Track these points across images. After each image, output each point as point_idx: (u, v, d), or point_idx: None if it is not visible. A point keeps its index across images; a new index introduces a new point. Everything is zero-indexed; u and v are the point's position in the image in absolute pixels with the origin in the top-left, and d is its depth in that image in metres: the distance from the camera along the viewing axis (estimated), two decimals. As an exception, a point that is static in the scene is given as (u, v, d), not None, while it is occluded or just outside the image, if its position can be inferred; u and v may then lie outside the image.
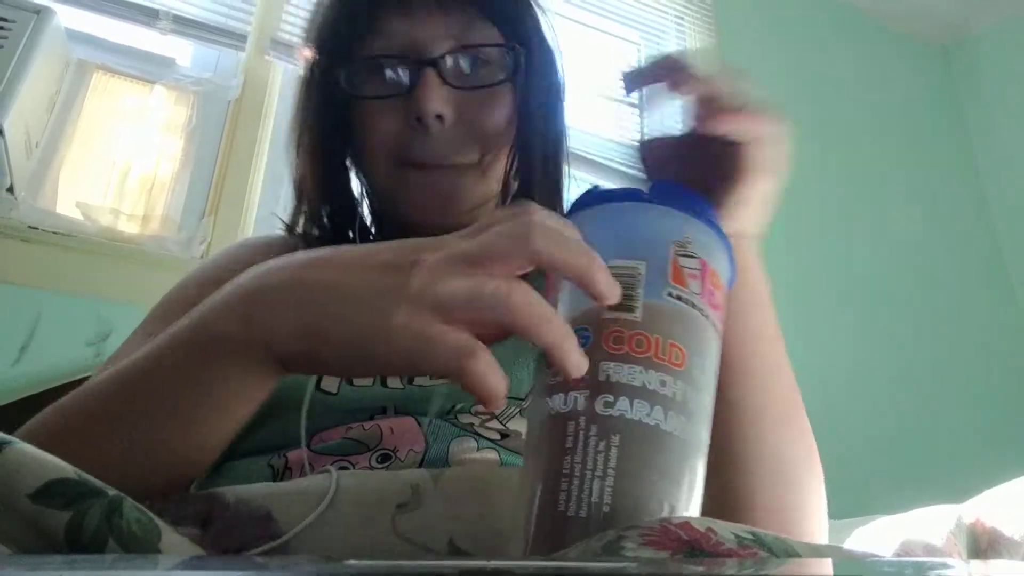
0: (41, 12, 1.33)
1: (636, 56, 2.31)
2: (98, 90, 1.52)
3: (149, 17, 1.53)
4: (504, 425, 0.56)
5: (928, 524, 0.52)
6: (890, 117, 2.60)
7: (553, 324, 0.34)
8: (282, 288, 0.37)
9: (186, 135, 1.55)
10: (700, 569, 0.27)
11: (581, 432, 0.35)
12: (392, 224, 0.73)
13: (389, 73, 0.63)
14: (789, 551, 0.31)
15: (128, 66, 1.55)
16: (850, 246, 2.29)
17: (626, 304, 0.37)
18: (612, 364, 0.36)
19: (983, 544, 0.49)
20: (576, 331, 0.36)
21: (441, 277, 0.33)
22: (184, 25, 1.57)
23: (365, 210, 0.75)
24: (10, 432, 0.34)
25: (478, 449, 0.53)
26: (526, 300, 0.33)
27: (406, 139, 0.63)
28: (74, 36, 1.49)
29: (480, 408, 0.55)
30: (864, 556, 0.40)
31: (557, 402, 0.36)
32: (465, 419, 0.55)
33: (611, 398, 0.35)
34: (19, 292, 1.30)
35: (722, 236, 0.41)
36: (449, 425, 0.54)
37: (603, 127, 2.04)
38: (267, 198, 1.58)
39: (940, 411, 2.17)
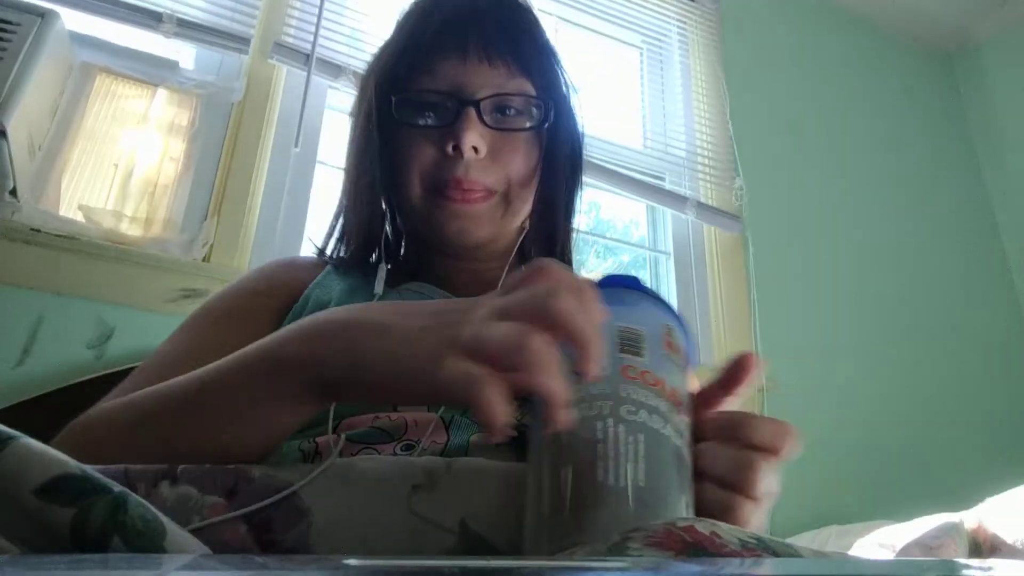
0: (45, 15, 1.33)
1: (639, 60, 2.31)
2: (101, 93, 1.52)
3: (153, 20, 1.54)
4: (520, 420, 0.59)
5: (929, 531, 0.52)
6: (894, 124, 2.60)
7: (553, 377, 0.38)
8: (340, 324, 0.45)
9: (189, 138, 1.55)
10: (701, 569, 0.27)
11: (611, 429, 0.41)
12: (418, 245, 0.83)
13: (436, 108, 0.74)
14: (792, 554, 0.32)
15: (131, 69, 1.55)
16: (854, 254, 2.29)
17: (635, 350, 0.45)
18: (630, 386, 0.43)
19: (984, 550, 0.49)
20: None
21: (478, 326, 0.39)
22: (187, 28, 1.57)
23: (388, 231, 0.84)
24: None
25: (496, 445, 0.57)
26: (539, 355, 0.38)
27: (443, 166, 0.73)
28: (78, 39, 1.49)
29: None
30: (866, 560, 0.40)
31: (582, 409, 0.42)
32: None
33: (633, 408, 0.42)
34: (21, 294, 1.30)
35: (689, 334, 0.51)
36: (469, 420, 0.59)
37: (605, 131, 2.04)
38: (269, 201, 1.59)
39: (942, 421, 2.17)
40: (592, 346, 0.39)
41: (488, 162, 0.73)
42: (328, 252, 0.84)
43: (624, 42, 2.30)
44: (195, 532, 0.37)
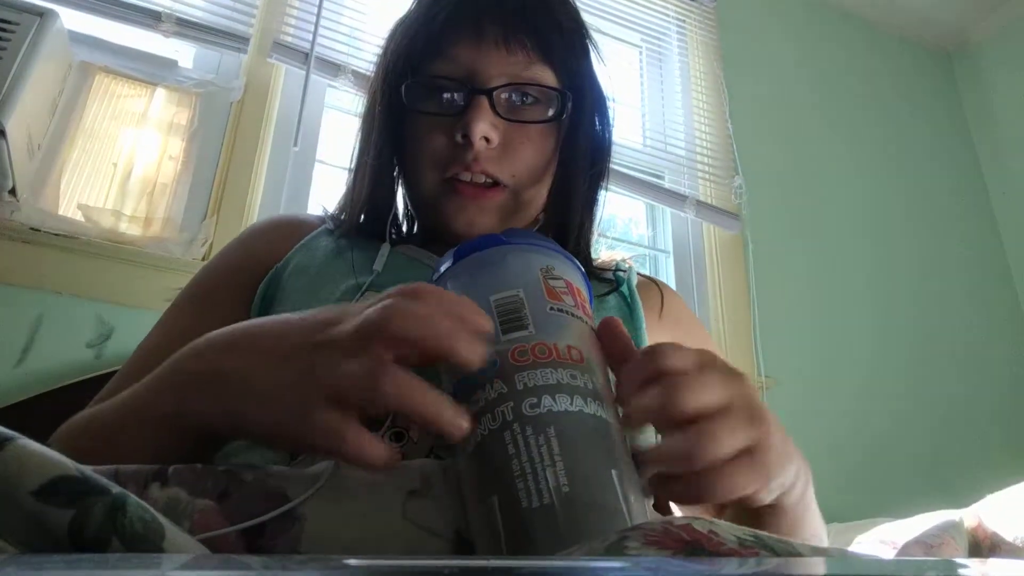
0: (44, 15, 1.33)
1: (638, 59, 2.31)
2: (100, 92, 1.52)
3: (152, 19, 1.54)
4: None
5: (929, 529, 0.51)
6: (893, 123, 2.60)
7: (418, 402, 0.39)
8: (206, 377, 0.45)
9: (188, 137, 1.55)
10: (700, 568, 0.27)
11: (519, 436, 0.39)
12: (426, 228, 0.80)
13: (447, 95, 0.70)
14: (791, 552, 0.32)
15: (130, 68, 1.55)
16: (853, 252, 2.29)
17: (518, 324, 0.43)
18: (525, 372, 0.41)
19: (984, 548, 0.49)
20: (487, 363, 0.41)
21: (331, 371, 0.39)
22: (186, 27, 1.57)
23: (400, 209, 0.82)
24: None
25: None
26: (394, 388, 0.38)
27: (452, 154, 0.69)
28: (76, 38, 1.49)
29: None
30: (866, 557, 0.40)
31: (486, 423, 0.40)
32: None
33: (535, 399, 0.40)
34: (21, 294, 1.30)
35: (571, 259, 0.49)
36: None
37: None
38: (268, 200, 1.58)
39: (942, 418, 2.17)
40: (455, 350, 0.39)
41: (500, 153, 0.69)
42: (342, 217, 0.80)
43: (623, 41, 2.30)
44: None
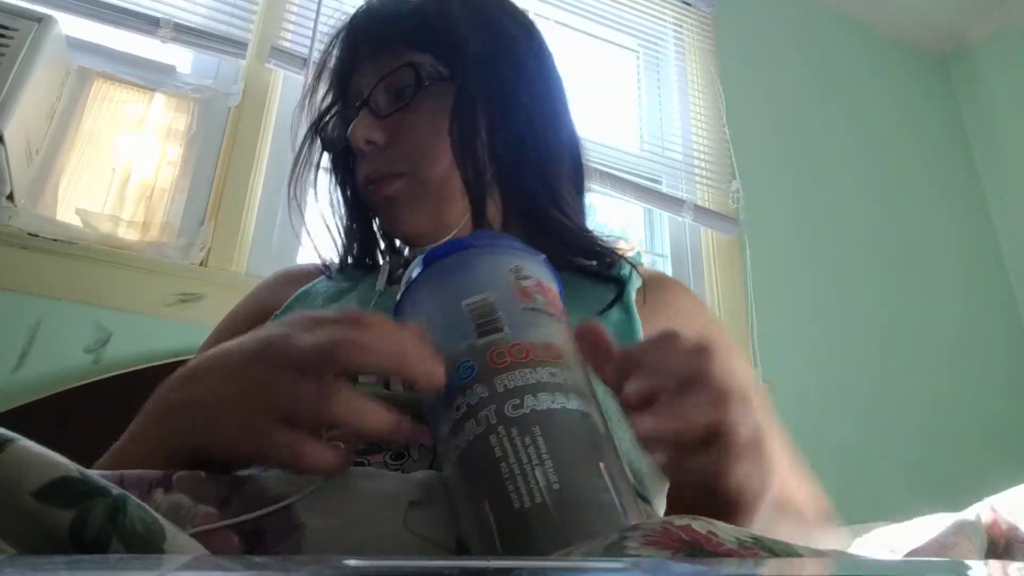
0: (43, 20, 1.33)
1: (635, 63, 2.32)
2: (98, 98, 1.52)
3: (150, 25, 1.54)
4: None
5: (945, 528, 0.51)
6: (890, 126, 2.61)
7: (370, 419, 0.42)
8: (177, 407, 0.48)
9: (186, 142, 1.55)
10: (700, 569, 0.28)
11: (504, 438, 0.39)
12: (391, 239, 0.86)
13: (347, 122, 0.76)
14: (790, 553, 0.32)
15: (128, 73, 1.56)
16: (850, 256, 2.29)
17: (493, 327, 0.43)
18: (505, 374, 0.41)
19: (1000, 546, 0.48)
20: (460, 365, 0.42)
21: (284, 391, 0.42)
22: (185, 33, 1.57)
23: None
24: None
25: None
26: (345, 409, 0.42)
27: (363, 167, 0.75)
28: (75, 44, 1.49)
29: None
30: (865, 558, 0.40)
31: (470, 429, 0.40)
32: None
33: (517, 400, 0.40)
34: (19, 299, 1.30)
35: (537, 255, 0.49)
36: None
37: (602, 134, 2.05)
38: (267, 205, 1.59)
39: (941, 421, 2.17)
40: (411, 375, 0.42)
41: (390, 148, 0.73)
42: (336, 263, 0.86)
43: (620, 45, 2.31)
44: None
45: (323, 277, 0.83)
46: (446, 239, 0.70)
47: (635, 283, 0.75)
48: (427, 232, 0.74)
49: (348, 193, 0.85)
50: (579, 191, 0.84)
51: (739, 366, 0.74)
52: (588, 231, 0.80)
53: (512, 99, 0.77)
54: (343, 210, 0.84)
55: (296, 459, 0.41)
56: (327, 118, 0.80)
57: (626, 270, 0.77)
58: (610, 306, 0.72)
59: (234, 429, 0.43)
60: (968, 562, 0.45)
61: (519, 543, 0.37)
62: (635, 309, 0.72)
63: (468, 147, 0.73)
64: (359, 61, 0.76)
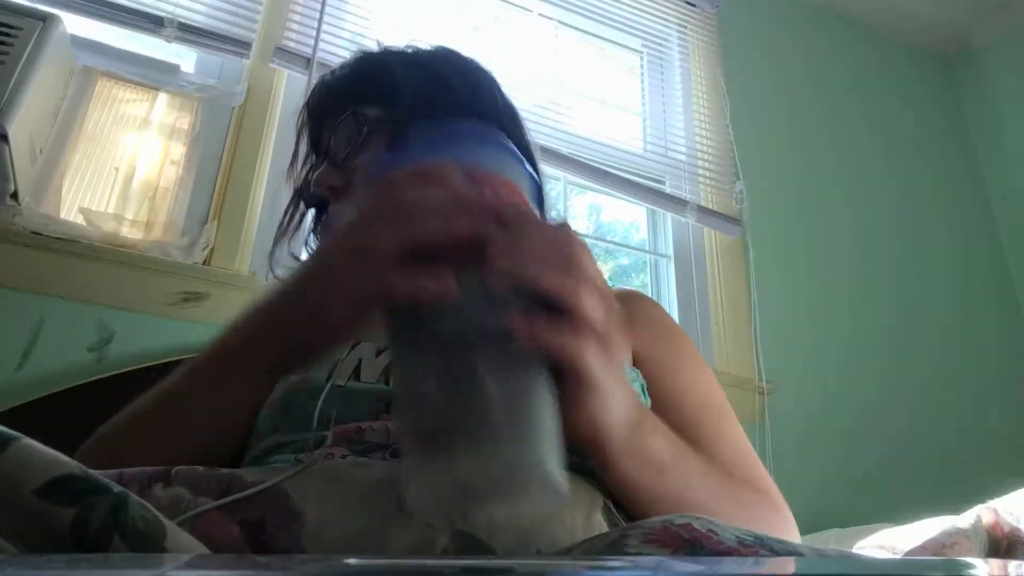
0: (47, 19, 1.33)
1: (639, 64, 2.32)
2: (102, 97, 1.53)
3: (154, 24, 1.54)
4: None
5: (946, 528, 0.51)
6: (894, 128, 2.61)
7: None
8: (268, 311, 0.55)
9: (190, 141, 1.55)
10: (700, 568, 0.28)
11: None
12: None
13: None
14: (791, 552, 0.32)
15: (132, 73, 1.56)
16: (854, 257, 2.29)
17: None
18: None
19: (1002, 547, 0.48)
20: None
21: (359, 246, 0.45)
22: (189, 33, 1.57)
23: None
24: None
25: None
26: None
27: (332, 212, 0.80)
28: (79, 43, 1.50)
29: None
30: (866, 558, 0.40)
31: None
32: None
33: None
34: (22, 298, 1.30)
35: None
36: None
37: (606, 135, 2.05)
38: (270, 204, 1.59)
39: (943, 423, 2.16)
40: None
41: (349, 191, 0.77)
42: None
43: (624, 46, 2.31)
44: (185, 530, 0.37)
45: None
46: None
47: None
48: None
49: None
50: None
51: (705, 379, 0.76)
52: None
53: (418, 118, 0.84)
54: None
55: (403, 290, 0.40)
56: (306, 176, 0.86)
57: None
58: None
59: (325, 297, 0.47)
60: (968, 560, 0.45)
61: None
62: None
63: None
64: (323, 121, 0.82)
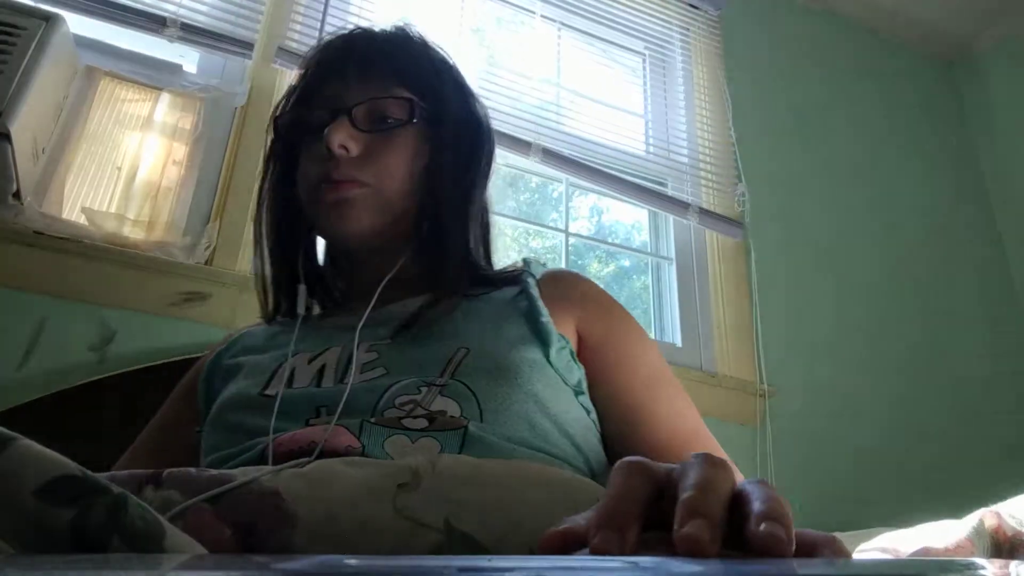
0: (50, 19, 1.33)
1: (642, 66, 2.32)
2: (105, 96, 1.53)
3: (157, 24, 1.54)
4: (428, 409, 0.62)
5: (940, 532, 0.51)
6: (896, 132, 2.60)
7: None
8: None
9: (192, 141, 1.55)
10: (701, 568, 0.28)
11: None
12: (335, 259, 0.91)
13: (318, 123, 0.80)
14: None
15: (135, 73, 1.56)
16: (855, 260, 2.29)
17: None
18: None
19: (1004, 550, 0.48)
20: None
21: None
22: (191, 33, 1.57)
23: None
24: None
25: (412, 442, 0.59)
26: None
27: (322, 169, 0.78)
28: (82, 43, 1.50)
29: (403, 400, 0.63)
30: (866, 559, 0.40)
31: None
32: (390, 414, 0.62)
33: None
34: (24, 297, 1.30)
35: None
36: (378, 427, 0.60)
37: (608, 137, 2.05)
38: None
39: (945, 427, 2.16)
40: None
41: (361, 160, 0.78)
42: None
43: (627, 48, 2.31)
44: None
45: (243, 331, 0.88)
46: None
47: (532, 281, 0.82)
48: (366, 237, 0.79)
49: (283, 193, 0.87)
50: (486, 233, 0.91)
51: (651, 354, 0.78)
52: (488, 263, 0.89)
53: (469, 152, 0.87)
54: (272, 214, 0.88)
55: None
56: (287, 106, 0.86)
57: (525, 276, 0.84)
58: (516, 296, 0.79)
59: None
60: (968, 560, 0.44)
61: None
62: (536, 295, 0.78)
63: (438, 183, 0.82)
64: (346, 74, 0.81)
